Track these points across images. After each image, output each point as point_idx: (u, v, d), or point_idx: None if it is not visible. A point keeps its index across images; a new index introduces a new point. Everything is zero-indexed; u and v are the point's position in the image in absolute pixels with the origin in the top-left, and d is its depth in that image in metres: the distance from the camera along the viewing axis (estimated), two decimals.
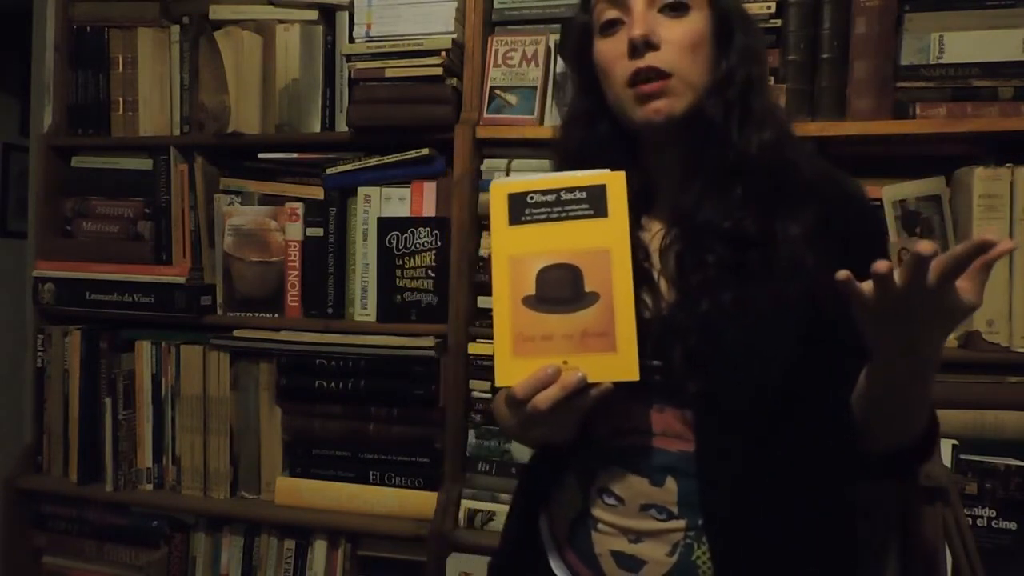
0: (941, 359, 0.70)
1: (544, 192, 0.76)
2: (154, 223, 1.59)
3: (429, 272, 1.43)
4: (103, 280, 1.56)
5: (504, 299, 0.74)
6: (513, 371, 0.73)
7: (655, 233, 0.82)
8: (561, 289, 0.74)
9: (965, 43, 1.22)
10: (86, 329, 1.59)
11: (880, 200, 1.27)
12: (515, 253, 0.75)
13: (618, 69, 0.79)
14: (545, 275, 0.74)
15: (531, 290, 0.74)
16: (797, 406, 0.75)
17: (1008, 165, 1.19)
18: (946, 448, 1.15)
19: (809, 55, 1.27)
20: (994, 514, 1.15)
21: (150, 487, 1.57)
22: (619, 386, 0.73)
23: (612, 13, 0.80)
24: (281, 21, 1.53)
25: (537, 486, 0.90)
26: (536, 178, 0.77)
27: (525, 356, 0.73)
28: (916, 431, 0.75)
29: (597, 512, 0.81)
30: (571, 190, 0.75)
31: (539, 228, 0.75)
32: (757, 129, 0.78)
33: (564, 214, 0.75)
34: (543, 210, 0.75)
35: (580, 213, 0.75)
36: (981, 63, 1.22)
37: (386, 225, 1.45)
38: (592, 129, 0.85)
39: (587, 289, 0.74)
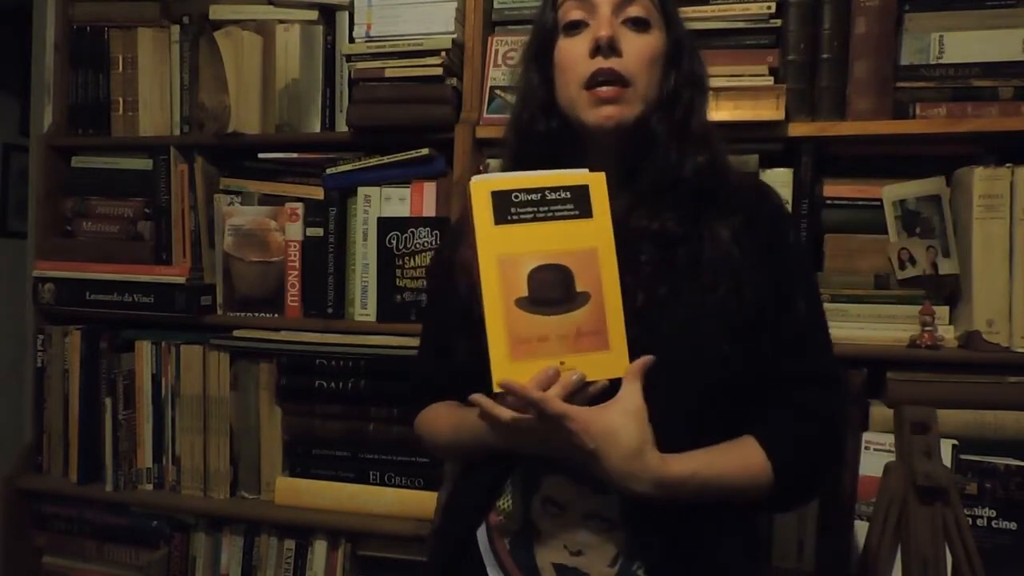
0: (685, 483, 0.73)
1: (528, 191, 0.75)
2: (154, 223, 1.59)
3: None
4: (103, 280, 1.56)
5: (496, 301, 0.73)
6: (512, 375, 0.72)
7: None
8: (554, 290, 0.74)
9: (965, 43, 1.22)
10: (86, 329, 1.58)
11: (880, 200, 1.27)
12: (504, 253, 0.74)
13: (578, 69, 0.82)
14: (537, 276, 0.74)
15: (523, 291, 0.73)
16: (730, 410, 0.78)
17: (1008, 165, 1.19)
18: (946, 448, 1.15)
19: (809, 55, 1.27)
20: (994, 514, 1.15)
21: (150, 487, 1.57)
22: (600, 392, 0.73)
23: (577, 14, 0.83)
24: (281, 21, 1.53)
25: (475, 498, 0.87)
26: (515, 176, 0.77)
27: (523, 359, 0.72)
28: (752, 499, 0.77)
29: (539, 522, 0.80)
30: (555, 190, 0.75)
31: (526, 228, 0.74)
32: (693, 151, 0.82)
33: (551, 214, 0.75)
34: (529, 209, 0.75)
35: (566, 213, 0.75)
36: (981, 63, 1.22)
37: (386, 225, 1.45)
38: (544, 126, 0.87)
39: (578, 289, 0.74)
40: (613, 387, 0.73)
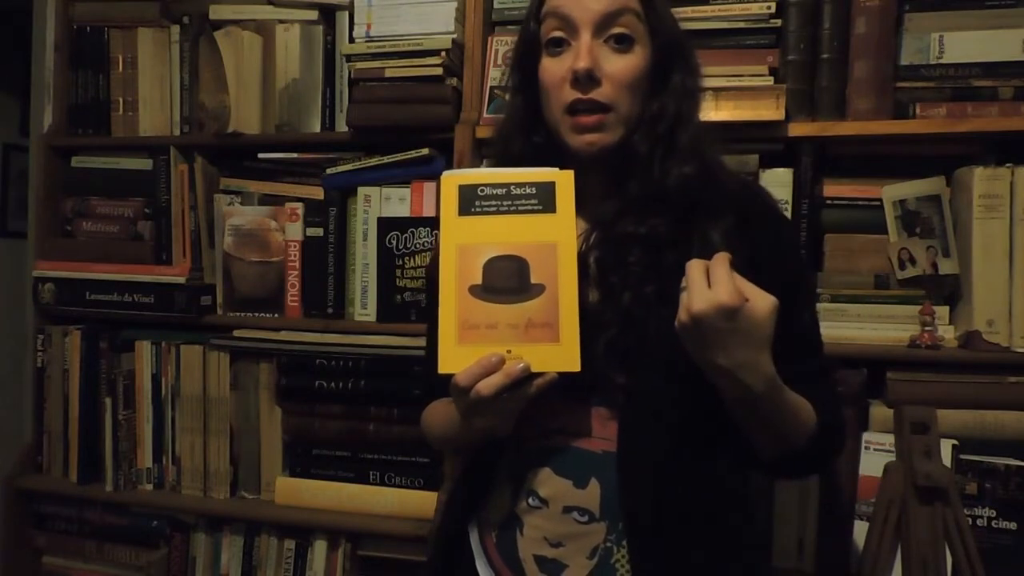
0: (773, 389, 0.71)
1: (495, 185, 0.77)
2: (154, 223, 1.59)
3: None
4: (103, 280, 1.56)
5: (450, 287, 0.75)
6: (457, 358, 0.73)
7: (578, 236, 0.84)
8: (508, 279, 0.75)
9: (965, 43, 1.22)
10: (86, 329, 1.59)
11: (880, 200, 1.27)
12: (463, 242, 0.76)
13: (559, 93, 0.81)
14: (492, 265, 0.75)
15: (478, 279, 0.75)
16: (715, 405, 0.77)
17: (1008, 165, 1.19)
18: (946, 448, 1.15)
19: (809, 55, 1.27)
20: (994, 514, 1.15)
21: (150, 487, 1.57)
22: (549, 384, 0.74)
23: (559, 33, 0.81)
24: (281, 21, 1.53)
25: (470, 494, 0.89)
26: (485, 171, 0.79)
27: (469, 344, 0.73)
28: (795, 444, 0.77)
29: (522, 515, 0.81)
30: (521, 185, 0.77)
31: (488, 220, 0.76)
32: (679, 163, 0.81)
33: (513, 207, 0.76)
34: (493, 203, 0.76)
35: (529, 208, 0.76)
36: (981, 63, 1.22)
37: (386, 225, 1.45)
38: (529, 138, 0.86)
39: (533, 280, 0.75)
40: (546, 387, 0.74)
